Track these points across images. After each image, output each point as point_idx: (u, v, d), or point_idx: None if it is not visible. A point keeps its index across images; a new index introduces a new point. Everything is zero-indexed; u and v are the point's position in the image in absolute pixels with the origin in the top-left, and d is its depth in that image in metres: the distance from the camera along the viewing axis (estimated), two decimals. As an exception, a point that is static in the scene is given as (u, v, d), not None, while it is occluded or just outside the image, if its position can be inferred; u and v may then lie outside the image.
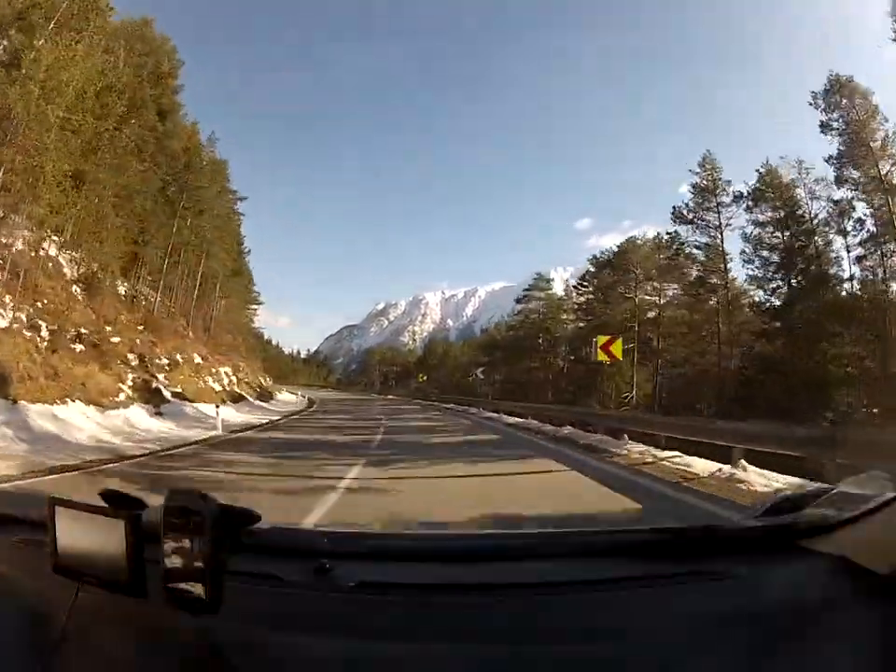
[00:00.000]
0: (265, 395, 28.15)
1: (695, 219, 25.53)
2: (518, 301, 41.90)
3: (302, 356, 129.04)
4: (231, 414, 16.10)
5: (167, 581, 0.66)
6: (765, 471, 5.76)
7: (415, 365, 67.23)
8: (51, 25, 13.94)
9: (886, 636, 0.71)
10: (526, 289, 41.56)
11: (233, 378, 24.10)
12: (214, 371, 22.52)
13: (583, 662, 0.71)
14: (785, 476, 5.53)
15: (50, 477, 5.38)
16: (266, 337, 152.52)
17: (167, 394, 15.51)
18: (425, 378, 48.81)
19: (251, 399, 23.62)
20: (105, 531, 0.69)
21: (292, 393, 38.98)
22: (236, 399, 21.64)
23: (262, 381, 33.52)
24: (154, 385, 15.36)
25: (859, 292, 20.97)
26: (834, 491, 1.11)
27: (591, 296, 34.64)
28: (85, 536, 0.71)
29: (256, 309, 51.34)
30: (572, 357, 37.37)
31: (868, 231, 20.61)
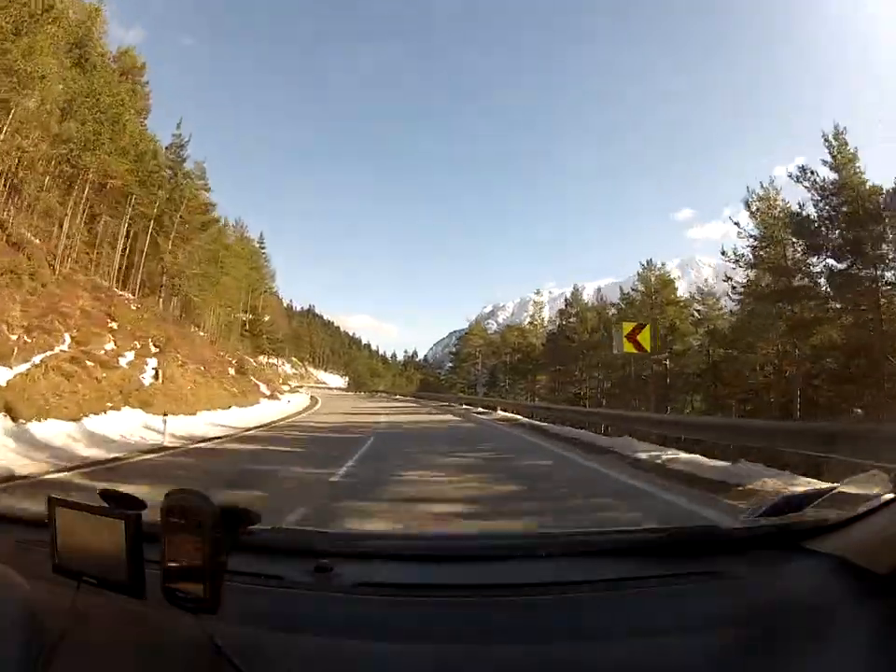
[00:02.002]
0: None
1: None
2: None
3: (400, 359, 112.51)
4: None
5: (167, 580, 0.66)
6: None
7: (547, 345, 36.27)
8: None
9: (886, 636, 0.71)
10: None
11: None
12: None
13: (584, 662, 0.70)
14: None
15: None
16: (365, 342, 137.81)
17: None
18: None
19: None
20: (105, 531, 0.69)
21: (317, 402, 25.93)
22: None
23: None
24: None
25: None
26: (834, 491, 1.08)
27: None
28: (85, 536, 0.70)
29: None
30: None
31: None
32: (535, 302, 43.03)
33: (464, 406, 23.52)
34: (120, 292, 21.79)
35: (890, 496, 0.86)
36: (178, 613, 0.65)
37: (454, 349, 53.87)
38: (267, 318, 50.55)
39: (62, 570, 0.73)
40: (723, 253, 20.37)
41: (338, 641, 0.73)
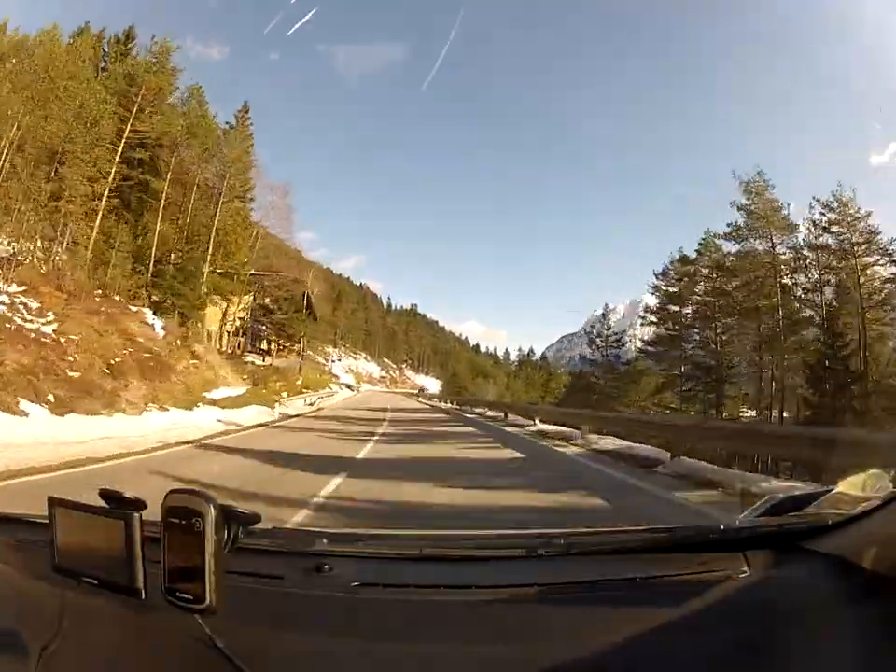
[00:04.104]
0: None
1: None
2: None
3: (514, 358, 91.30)
4: None
5: (167, 581, 0.66)
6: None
7: None
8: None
9: (886, 636, 0.71)
10: None
11: None
12: None
13: (584, 661, 0.71)
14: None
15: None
16: (473, 343, 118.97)
17: None
18: None
19: None
20: (105, 531, 0.69)
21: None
22: None
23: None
24: None
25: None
26: (834, 491, 1.08)
27: None
28: (85, 536, 0.70)
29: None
30: None
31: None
32: (631, 339, 15.58)
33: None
34: None
35: (890, 496, 0.85)
36: (178, 613, 0.65)
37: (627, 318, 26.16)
38: (281, 272, 29.16)
39: (62, 570, 0.72)
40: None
41: (338, 641, 0.74)
